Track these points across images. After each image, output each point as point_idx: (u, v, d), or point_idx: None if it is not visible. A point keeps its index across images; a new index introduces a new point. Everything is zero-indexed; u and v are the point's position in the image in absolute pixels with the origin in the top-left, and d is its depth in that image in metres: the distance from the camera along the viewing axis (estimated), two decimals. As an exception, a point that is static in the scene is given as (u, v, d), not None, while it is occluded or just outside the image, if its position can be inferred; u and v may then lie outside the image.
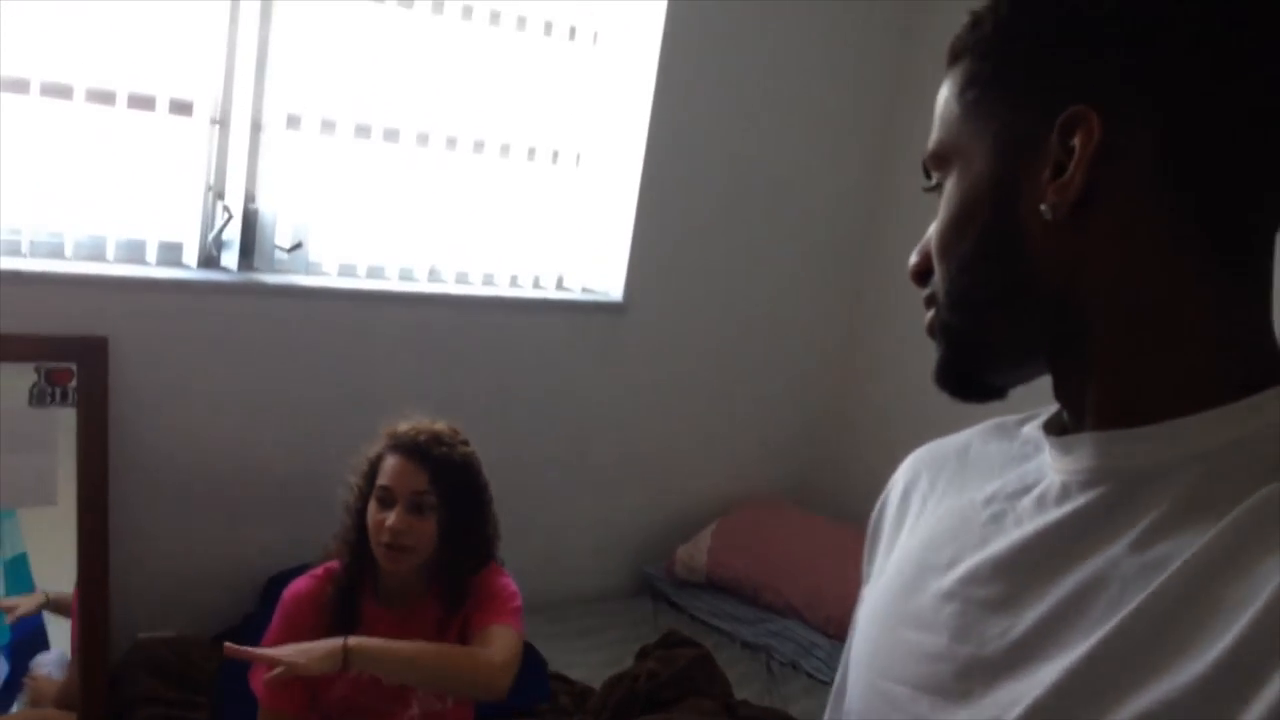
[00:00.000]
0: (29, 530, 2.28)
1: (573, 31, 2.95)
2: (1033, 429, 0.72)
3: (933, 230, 0.69)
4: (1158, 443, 0.61)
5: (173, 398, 2.49)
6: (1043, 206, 0.61)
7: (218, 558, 2.61)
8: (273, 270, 2.61)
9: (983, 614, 0.64)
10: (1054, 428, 0.69)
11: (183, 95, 2.45)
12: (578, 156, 3.06)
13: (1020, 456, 0.71)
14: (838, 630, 2.83)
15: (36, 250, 2.37)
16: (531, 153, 2.96)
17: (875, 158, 3.49)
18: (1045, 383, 0.68)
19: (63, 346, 2.32)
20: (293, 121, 2.57)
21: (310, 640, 1.84)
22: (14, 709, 2.22)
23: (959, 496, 0.73)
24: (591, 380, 3.13)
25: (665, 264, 3.16)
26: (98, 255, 2.44)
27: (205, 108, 2.48)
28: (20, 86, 2.27)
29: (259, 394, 2.60)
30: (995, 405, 0.72)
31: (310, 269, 2.69)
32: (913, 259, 0.70)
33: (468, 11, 2.75)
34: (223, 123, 2.52)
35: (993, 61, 0.65)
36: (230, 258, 2.56)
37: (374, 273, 2.79)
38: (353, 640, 1.80)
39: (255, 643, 1.94)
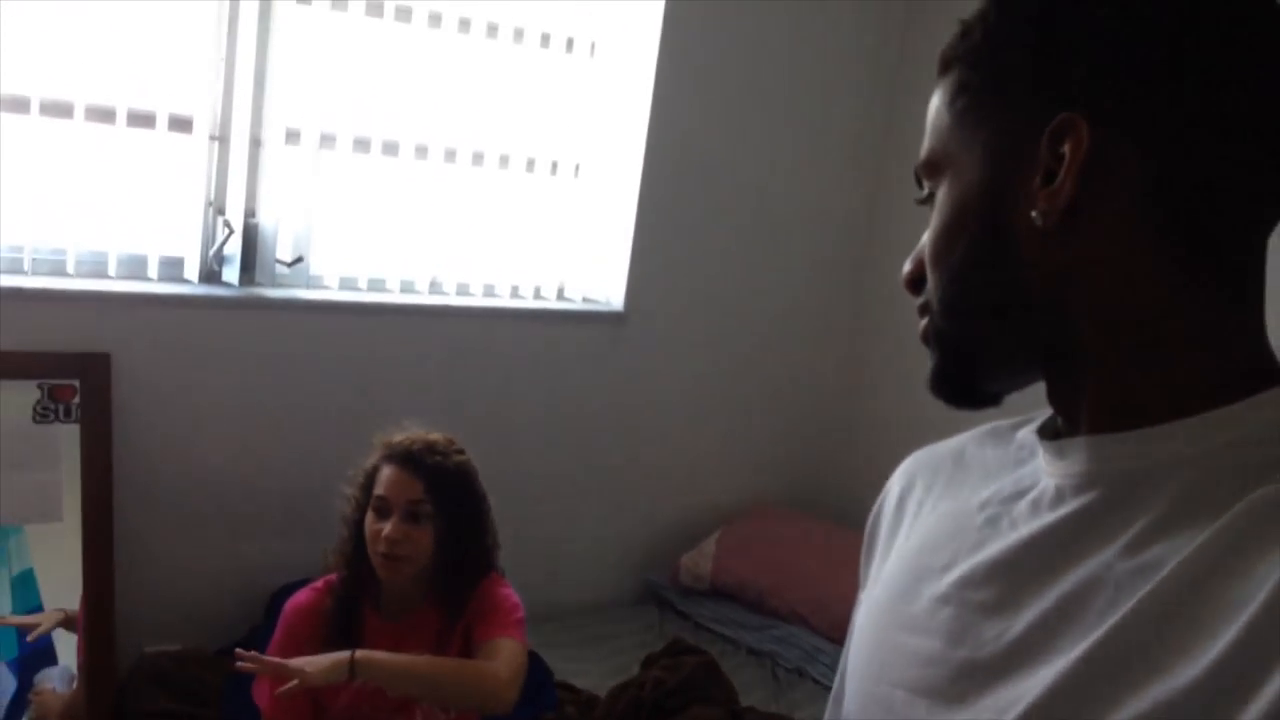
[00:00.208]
0: (35, 546, 2.29)
1: (570, 43, 2.96)
2: (1027, 433, 0.73)
3: (925, 238, 0.70)
4: (1151, 446, 0.61)
5: (176, 412, 2.50)
6: (1034, 214, 0.62)
7: (222, 571, 2.61)
8: (274, 284, 2.62)
9: (978, 617, 0.64)
10: (1048, 432, 0.70)
11: (182, 111, 2.46)
12: (577, 167, 3.07)
13: (1015, 461, 0.72)
14: (843, 636, 2.81)
15: (38, 267, 2.38)
16: (530, 164, 2.97)
17: (874, 165, 3.49)
18: (1040, 388, 0.69)
19: (65, 363, 2.32)
20: (292, 136, 2.58)
21: (312, 652, 1.85)
22: (21, 724, 2.23)
23: (954, 501, 0.74)
24: (593, 389, 3.13)
25: (666, 273, 3.16)
26: (99, 271, 2.45)
27: (204, 124, 2.49)
28: (20, 105, 2.28)
29: (262, 408, 2.61)
30: (991, 410, 0.73)
31: (311, 283, 2.69)
32: (906, 267, 0.71)
33: (465, 24, 2.76)
34: (222, 138, 2.53)
35: (982, 70, 0.66)
36: (231, 272, 2.57)
37: (375, 285, 2.80)
38: (360, 652, 1.80)
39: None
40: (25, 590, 2.27)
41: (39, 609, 2.29)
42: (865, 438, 3.56)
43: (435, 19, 2.72)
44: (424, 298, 2.85)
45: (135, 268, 2.49)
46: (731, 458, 3.47)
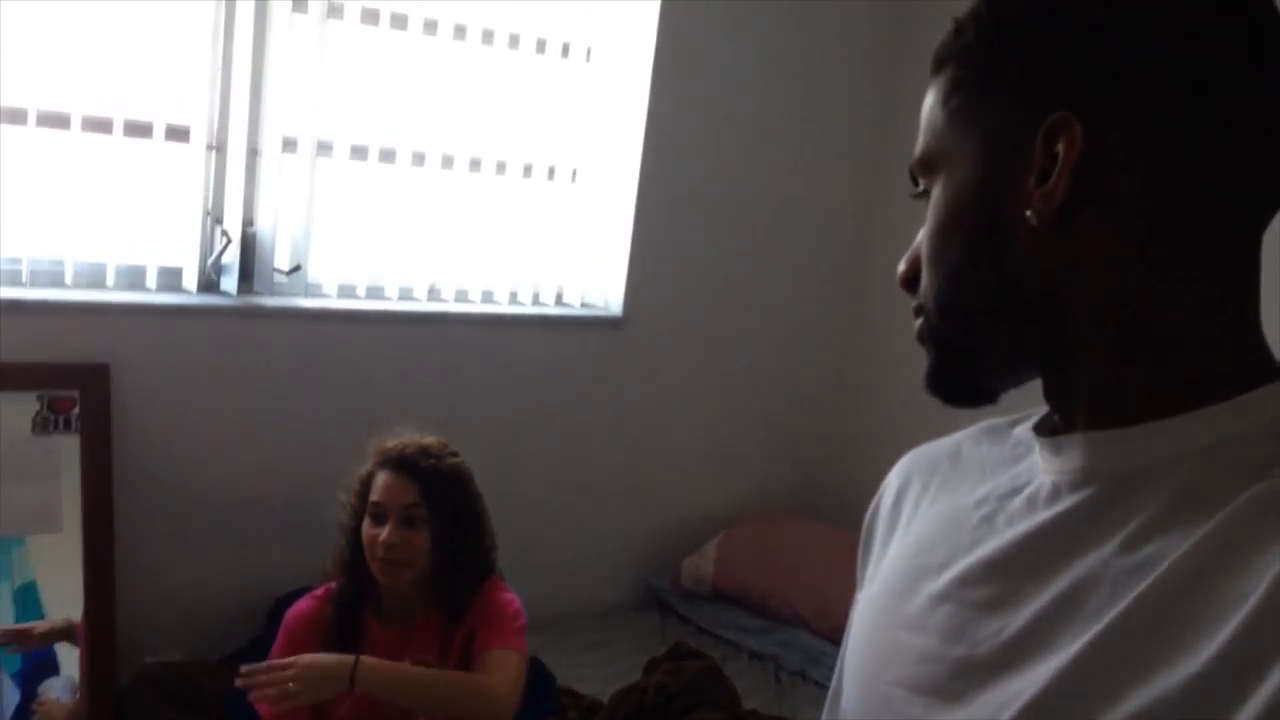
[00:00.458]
0: (37, 558, 2.29)
1: (565, 48, 2.96)
2: (1023, 430, 0.73)
3: (920, 237, 0.70)
4: (1147, 442, 0.61)
5: (175, 422, 2.50)
6: (1028, 213, 0.62)
7: (224, 580, 2.61)
8: (272, 293, 2.62)
9: (976, 615, 0.64)
10: (1045, 429, 0.70)
11: (179, 121, 2.47)
12: (574, 172, 3.07)
13: (1011, 458, 0.72)
14: (845, 638, 2.82)
15: (37, 279, 2.38)
16: (528, 169, 2.97)
17: (873, 169, 3.49)
18: (1037, 385, 0.69)
19: (64, 374, 2.33)
20: (289, 145, 2.58)
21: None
22: (24, 735, 2.23)
23: (951, 499, 0.74)
24: (593, 394, 3.13)
25: (664, 277, 3.16)
26: (98, 282, 2.45)
27: (201, 133, 2.49)
28: (18, 117, 2.28)
29: (261, 416, 2.61)
30: (989, 408, 0.73)
31: (310, 291, 2.70)
32: (901, 266, 0.71)
33: (460, 31, 2.77)
34: (219, 147, 2.53)
35: (976, 69, 0.66)
36: (230, 282, 2.57)
37: (373, 293, 2.80)
38: (364, 658, 1.81)
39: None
40: (28, 603, 2.27)
41: (42, 621, 2.29)
42: (865, 440, 3.56)
43: (431, 26, 2.72)
44: (422, 305, 2.85)
45: (134, 278, 2.50)
46: (731, 461, 3.47)
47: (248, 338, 2.57)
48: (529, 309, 3.03)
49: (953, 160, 0.67)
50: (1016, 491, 0.68)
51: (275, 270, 2.62)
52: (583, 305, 3.14)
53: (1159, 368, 0.62)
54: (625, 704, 2.50)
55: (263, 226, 2.58)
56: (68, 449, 2.33)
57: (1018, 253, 0.63)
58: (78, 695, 2.29)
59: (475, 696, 1.86)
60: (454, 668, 1.97)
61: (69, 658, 2.31)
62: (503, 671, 1.89)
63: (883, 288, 3.44)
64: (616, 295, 3.12)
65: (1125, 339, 0.62)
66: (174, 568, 2.54)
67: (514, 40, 2.86)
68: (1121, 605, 0.57)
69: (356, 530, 1.99)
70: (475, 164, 2.88)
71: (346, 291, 2.76)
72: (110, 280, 2.46)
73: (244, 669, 1.79)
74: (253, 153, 2.55)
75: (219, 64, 2.49)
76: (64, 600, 2.30)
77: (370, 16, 2.64)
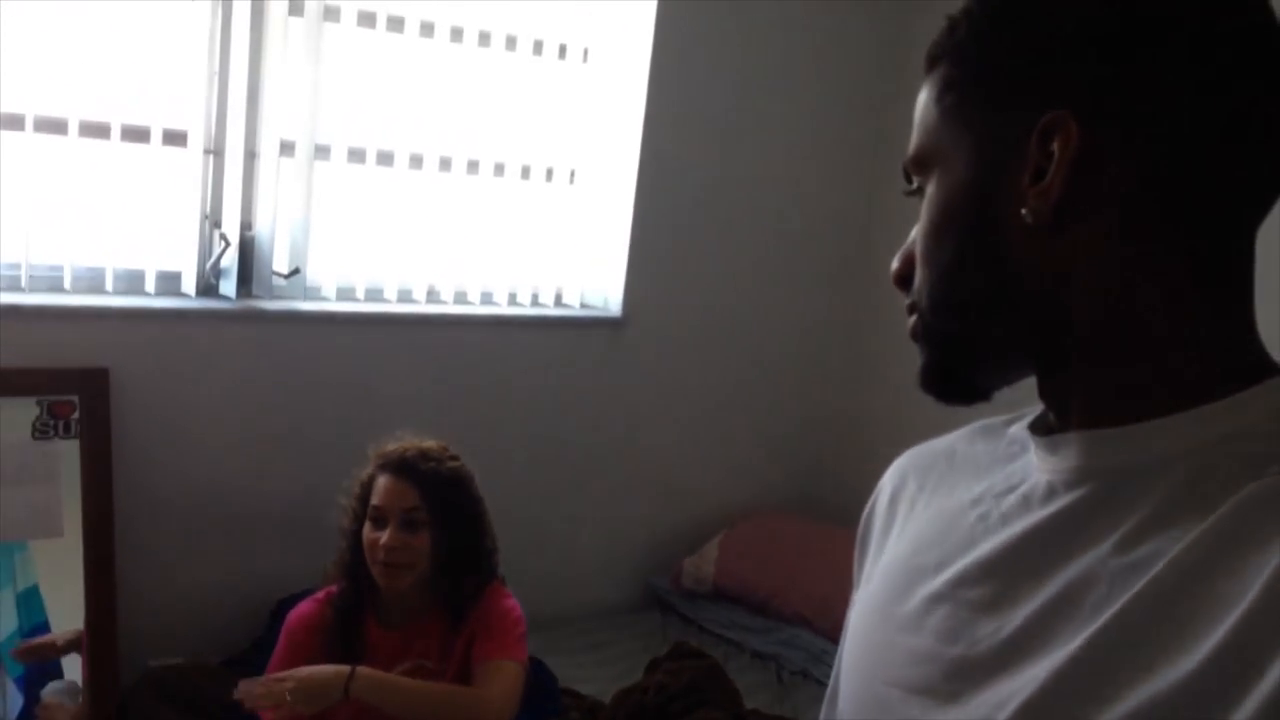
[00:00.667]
0: (40, 562, 2.29)
1: (562, 49, 2.96)
2: (1019, 429, 0.73)
3: (915, 235, 0.70)
4: (1142, 441, 0.61)
5: (175, 426, 2.50)
6: (1023, 211, 0.62)
7: (224, 583, 2.61)
8: (271, 296, 2.62)
9: (972, 615, 0.64)
10: (1040, 428, 0.70)
11: (176, 126, 2.47)
12: (572, 173, 3.07)
13: (1006, 457, 0.72)
14: (847, 637, 2.82)
15: (35, 284, 2.38)
16: (526, 171, 2.97)
17: (870, 167, 3.49)
18: (1032, 384, 0.69)
19: (64, 379, 2.33)
20: (286, 148, 2.58)
21: (313, 663, 1.86)
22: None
23: (947, 499, 0.73)
24: (593, 394, 3.13)
25: (663, 277, 3.16)
26: (97, 287, 2.45)
27: (199, 137, 2.49)
28: (15, 122, 2.29)
29: (261, 419, 2.61)
30: (989, 407, 0.73)
31: (308, 294, 2.70)
32: (895, 264, 0.71)
33: (457, 33, 2.76)
34: (217, 152, 2.54)
35: (970, 67, 0.66)
36: (229, 285, 2.57)
37: (372, 296, 2.80)
38: (361, 668, 1.82)
39: (263, 667, 1.95)
40: (30, 607, 2.27)
41: (44, 625, 2.29)
42: (866, 439, 3.56)
43: (427, 28, 2.72)
44: (421, 307, 2.85)
45: (132, 282, 2.50)
46: (732, 460, 3.47)
47: (247, 341, 2.57)
48: (528, 310, 3.03)
49: (947, 158, 0.66)
50: (1012, 491, 0.68)
51: (274, 273, 2.62)
52: (582, 306, 3.14)
53: (1153, 366, 0.62)
54: (626, 704, 2.50)
55: (261, 230, 2.58)
56: (68, 454, 2.33)
57: (1012, 251, 0.63)
58: (81, 700, 2.29)
59: (469, 709, 1.88)
60: (455, 671, 1.98)
61: (73, 662, 2.31)
62: (498, 683, 1.89)
63: (884, 287, 3.40)
64: (616, 296, 3.12)
65: (1120, 337, 0.62)
66: (175, 571, 2.54)
67: (511, 42, 2.86)
68: (1118, 604, 0.57)
69: (357, 534, 1.99)
70: (473, 166, 2.88)
71: (345, 294, 2.77)
72: (109, 285, 2.46)
73: (240, 685, 1.80)
74: (250, 156, 2.55)
75: (216, 68, 2.49)
76: (66, 605, 2.30)
77: (367, 19, 2.64)
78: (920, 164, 0.69)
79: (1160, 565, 0.56)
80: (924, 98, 0.69)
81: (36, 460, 2.30)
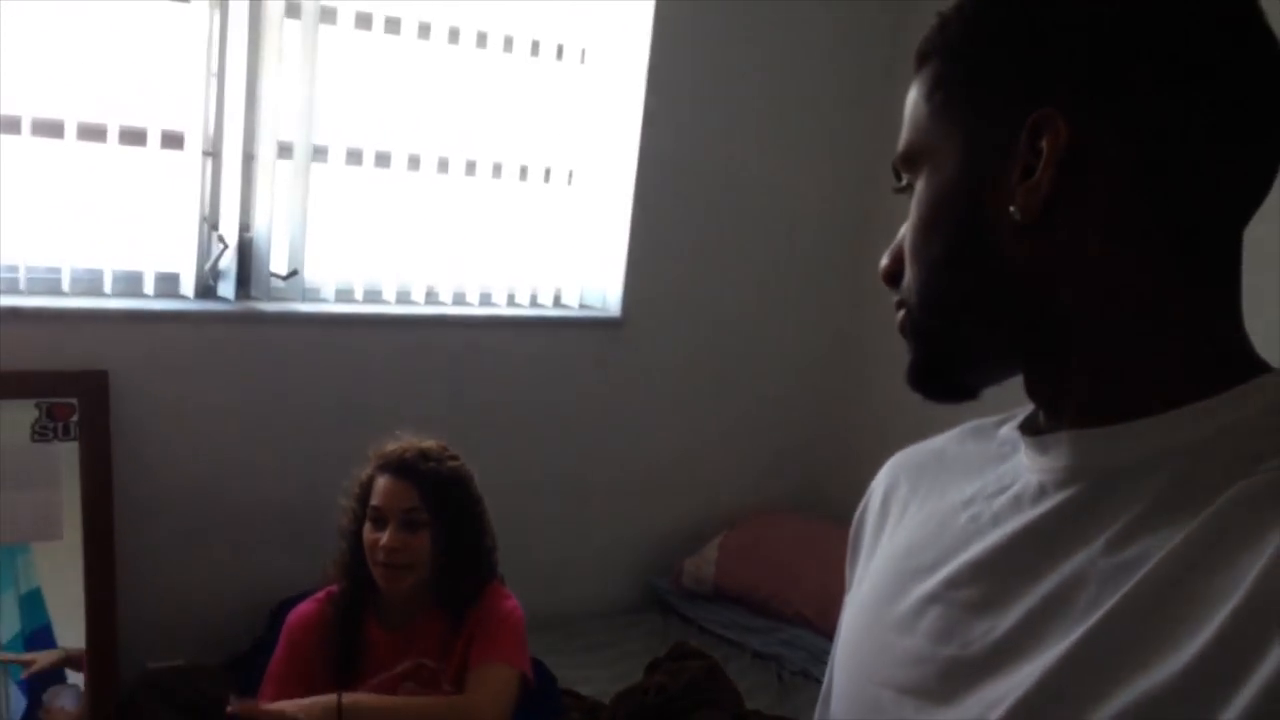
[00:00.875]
0: (41, 565, 2.29)
1: (560, 50, 2.96)
2: (1009, 429, 0.73)
3: (904, 232, 0.70)
4: (1132, 440, 0.61)
5: (174, 428, 2.50)
6: (1012, 208, 0.62)
7: (225, 584, 2.61)
8: (269, 298, 2.63)
9: (965, 616, 0.64)
10: (1030, 428, 0.70)
11: (174, 128, 2.47)
12: (570, 174, 3.07)
13: (998, 457, 0.72)
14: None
15: (34, 286, 2.38)
16: (524, 171, 2.97)
17: (869, 168, 3.48)
18: (1020, 383, 0.69)
19: (63, 381, 2.33)
20: (284, 150, 2.58)
21: (316, 664, 1.86)
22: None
23: (939, 500, 0.73)
24: (592, 395, 3.13)
25: (662, 278, 3.16)
26: (95, 289, 2.45)
27: (196, 139, 2.49)
28: (12, 125, 2.29)
29: (260, 421, 2.61)
30: (987, 407, 0.73)
31: (307, 295, 2.70)
32: (883, 261, 0.71)
33: (454, 34, 2.76)
34: (214, 153, 2.54)
35: (960, 64, 0.66)
36: (227, 287, 2.57)
37: (371, 297, 2.80)
38: (348, 697, 1.81)
39: (264, 668, 1.95)
40: (33, 609, 2.27)
41: (47, 627, 2.29)
42: (867, 438, 3.55)
43: (424, 29, 2.72)
44: (420, 307, 2.85)
45: (131, 284, 2.50)
46: (731, 460, 3.47)
47: (246, 342, 2.58)
48: (527, 311, 3.03)
49: (936, 155, 0.66)
50: (1003, 491, 0.68)
51: (272, 275, 2.62)
52: (581, 306, 3.14)
53: (1143, 364, 0.62)
54: (627, 705, 2.50)
55: (259, 231, 2.59)
56: (67, 456, 2.33)
57: (1001, 248, 0.63)
58: (83, 703, 2.29)
59: (460, 718, 1.87)
60: (455, 671, 1.98)
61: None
62: (493, 691, 1.90)
63: (883, 287, 3.43)
64: (614, 296, 3.12)
65: (1108, 335, 0.62)
66: (175, 573, 2.54)
67: (508, 43, 2.86)
68: (1109, 603, 0.57)
69: (357, 534, 2.00)
70: (471, 167, 2.88)
71: (344, 295, 2.77)
72: (108, 287, 2.46)
73: (237, 705, 1.79)
74: (248, 158, 2.55)
75: (213, 70, 2.49)
76: (68, 607, 2.30)
77: (363, 21, 2.64)
78: (909, 161, 0.69)
79: (1151, 564, 0.56)
80: (914, 95, 0.69)
81: (36, 463, 2.30)
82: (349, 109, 2.69)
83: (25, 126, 2.29)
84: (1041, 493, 0.65)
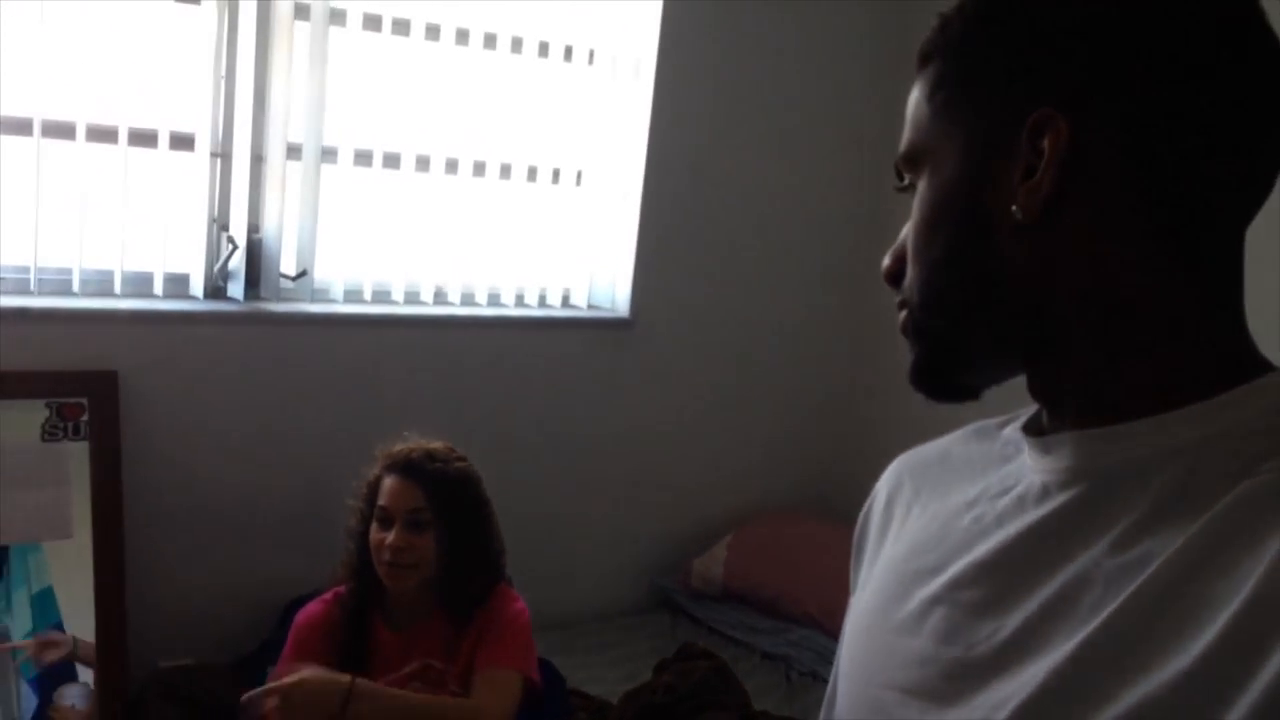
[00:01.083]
0: (53, 564, 2.30)
1: (569, 51, 2.96)
2: (1012, 430, 0.73)
3: (906, 232, 0.70)
4: (1135, 440, 0.61)
5: (184, 428, 2.51)
6: (1013, 208, 0.62)
7: (235, 584, 2.62)
8: (279, 299, 2.63)
9: (970, 617, 0.64)
10: (1033, 429, 0.70)
11: (183, 129, 2.48)
12: (579, 175, 3.07)
13: (1001, 458, 0.72)
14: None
15: (44, 287, 2.39)
16: (532, 172, 2.97)
17: (877, 169, 3.47)
18: (1022, 385, 0.69)
19: (73, 382, 2.34)
20: (293, 151, 2.59)
21: (324, 664, 1.86)
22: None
23: (942, 501, 0.74)
24: (600, 395, 3.13)
25: (671, 278, 3.16)
26: (105, 290, 2.46)
27: (206, 141, 2.50)
28: (23, 127, 2.30)
29: (270, 421, 2.62)
30: (987, 407, 0.73)
31: (316, 296, 2.71)
32: (886, 261, 0.71)
33: (463, 35, 2.77)
34: (224, 155, 2.54)
35: (961, 64, 0.66)
36: (236, 288, 2.58)
37: (380, 297, 2.80)
38: (360, 680, 1.82)
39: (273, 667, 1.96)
40: (45, 608, 2.28)
41: (59, 626, 2.30)
42: (876, 438, 3.55)
43: (433, 31, 2.72)
44: (429, 308, 2.86)
45: (141, 285, 2.51)
46: (740, 461, 3.47)
47: (255, 343, 2.58)
48: (536, 311, 3.03)
49: (937, 155, 0.67)
50: (1007, 492, 0.68)
51: (281, 275, 2.63)
52: (589, 307, 3.14)
53: (1146, 365, 0.62)
54: (634, 705, 2.50)
55: (268, 232, 2.59)
56: (77, 456, 2.34)
57: (1002, 248, 0.63)
58: (92, 702, 2.30)
59: None
60: (460, 673, 1.98)
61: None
62: (498, 695, 1.90)
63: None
64: (623, 296, 3.12)
65: (1110, 335, 0.62)
66: (184, 573, 2.55)
67: (517, 44, 2.86)
68: (1114, 604, 0.57)
69: (364, 535, 2.00)
70: (479, 168, 2.88)
71: (353, 296, 2.77)
72: (117, 287, 2.47)
73: (245, 698, 1.80)
74: (257, 159, 2.56)
75: (222, 72, 2.50)
76: (80, 606, 2.31)
77: (372, 22, 2.65)
78: (911, 161, 0.69)
79: (1155, 565, 0.56)
80: (916, 95, 0.69)
81: (46, 462, 2.31)
82: (358, 110, 2.69)
83: (36, 128, 2.30)
84: (1045, 493, 0.65)
